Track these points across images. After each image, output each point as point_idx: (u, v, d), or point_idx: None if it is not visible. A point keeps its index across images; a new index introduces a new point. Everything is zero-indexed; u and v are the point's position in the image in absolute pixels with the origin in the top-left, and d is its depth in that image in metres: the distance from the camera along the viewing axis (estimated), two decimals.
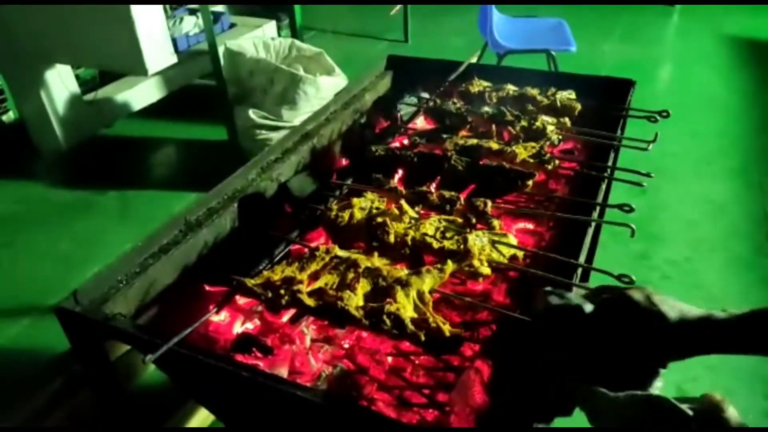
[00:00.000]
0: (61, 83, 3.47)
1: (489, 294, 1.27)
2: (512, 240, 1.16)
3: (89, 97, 3.73)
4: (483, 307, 1.07)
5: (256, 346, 1.10)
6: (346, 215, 1.21)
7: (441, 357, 0.92)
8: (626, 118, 1.71)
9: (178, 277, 1.22)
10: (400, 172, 1.40)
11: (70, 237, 3.02)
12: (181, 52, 4.02)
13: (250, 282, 1.04)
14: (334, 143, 1.71)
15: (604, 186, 1.40)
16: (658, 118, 1.54)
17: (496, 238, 1.15)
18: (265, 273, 1.08)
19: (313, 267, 1.09)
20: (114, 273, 1.12)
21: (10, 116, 4.01)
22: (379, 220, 1.17)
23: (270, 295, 1.01)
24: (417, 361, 1.14)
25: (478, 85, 1.78)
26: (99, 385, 1.17)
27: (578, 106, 1.64)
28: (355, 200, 1.25)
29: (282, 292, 1.00)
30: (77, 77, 4.28)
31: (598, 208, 1.30)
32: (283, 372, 1.11)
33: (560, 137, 1.54)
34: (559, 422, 0.86)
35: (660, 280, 2.66)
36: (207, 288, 1.21)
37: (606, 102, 1.73)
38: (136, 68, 2.99)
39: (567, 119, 1.61)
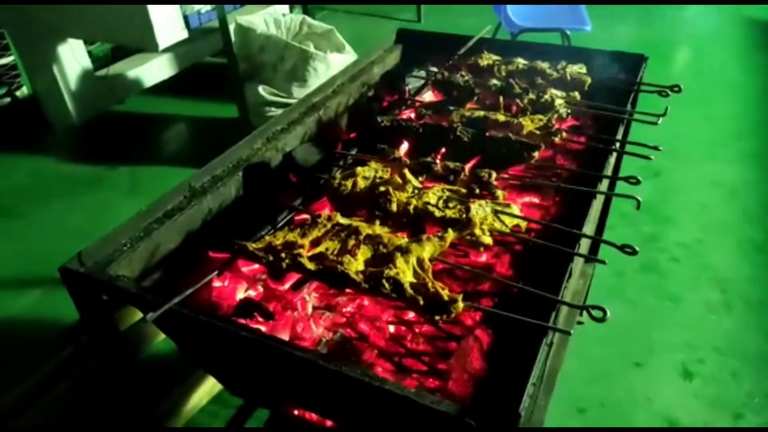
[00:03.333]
0: (73, 58, 3.49)
1: (492, 266, 1.26)
2: (515, 210, 1.15)
3: (101, 72, 3.75)
4: (484, 276, 1.06)
5: (257, 311, 1.11)
6: (349, 184, 1.21)
7: (439, 322, 0.92)
8: (637, 93, 1.68)
9: (182, 242, 1.23)
10: (406, 143, 1.40)
11: (81, 210, 3.05)
12: (192, 30, 4.01)
13: (252, 246, 1.05)
14: (340, 115, 1.71)
15: (612, 160, 1.38)
16: (669, 92, 1.52)
17: (499, 208, 1.14)
18: (267, 238, 1.08)
19: (315, 233, 1.09)
20: (119, 236, 1.13)
21: (23, 91, 4.05)
22: (382, 189, 1.16)
23: (271, 258, 1.02)
24: (418, 330, 1.14)
25: (487, 59, 1.76)
26: (104, 350, 1.19)
27: (588, 80, 1.62)
28: (358, 169, 1.24)
29: (283, 255, 1.01)
30: (90, 53, 4.29)
31: (604, 181, 1.28)
32: (284, 337, 1.12)
33: (569, 110, 1.52)
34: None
35: (668, 262, 2.64)
36: (210, 254, 1.22)
37: (618, 77, 1.71)
38: (147, 43, 2.99)
39: (577, 93, 1.59)
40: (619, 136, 1.50)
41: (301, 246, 1.03)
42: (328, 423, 1.24)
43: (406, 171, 1.22)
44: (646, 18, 5.43)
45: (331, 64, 3.16)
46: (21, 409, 1.60)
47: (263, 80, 3.28)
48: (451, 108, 1.48)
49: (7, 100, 4.03)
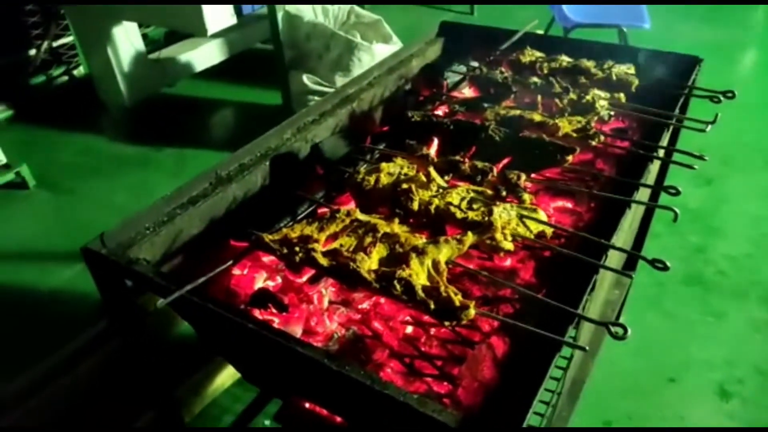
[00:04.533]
0: (127, 41, 3.59)
1: (516, 271, 1.22)
2: (542, 215, 1.10)
3: (154, 56, 3.84)
4: (500, 283, 1.03)
5: (272, 302, 1.11)
6: (372, 179, 1.18)
7: (452, 327, 0.89)
8: (688, 97, 1.59)
9: (205, 229, 1.24)
10: (435, 139, 1.36)
11: (126, 189, 3.15)
12: (244, 16, 4.06)
13: (268, 237, 1.04)
14: (375, 108, 1.68)
15: (652, 167, 1.31)
16: (722, 98, 1.43)
17: (524, 213, 1.10)
18: (284, 230, 1.07)
19: (333, 228, 1.07)
20: (142, 220, 1.15)
21: (80, 71, 4.19)
22: (405, 186, 1.14)
23: (285, 251, 1.01)
24: (432, 332, 1.12)
25: (529, 55, 1.70)
26: (125, 330, 1.21)
27: (635, 81, 1.54)
28: (383, 165, 1.22)
29: (297, 249, 1.00)
30: (146, 36, 4.42)
31: (641, 189, 1.21)
32: (297, 330, 1.11)
33: (611, 113, 1.45)
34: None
35: (714, 275, 2.51)
36: (232, 242, 1.22)
37: (669, 79, 1.62)
38: (197, 28, 3.04)
39: (622, 95, 1.51)
40: (664, 142, 1.42)
41: (316, 240, 1.01)
42: (338, 419, 1.23)
43: (431, 169, 1.19)
44: (713, 17, 5.16)
45: (375, 54, 3.13)
46: (39, 388, 1.65)
47: (308, 69, 3.29)
48: (486, 105, 1.43)
49: (65, 78, 4.18)
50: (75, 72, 4.21)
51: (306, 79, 3.20)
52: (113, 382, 1.72)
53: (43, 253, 2.71)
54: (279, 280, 1.23)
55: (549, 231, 1.09)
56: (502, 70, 1.61)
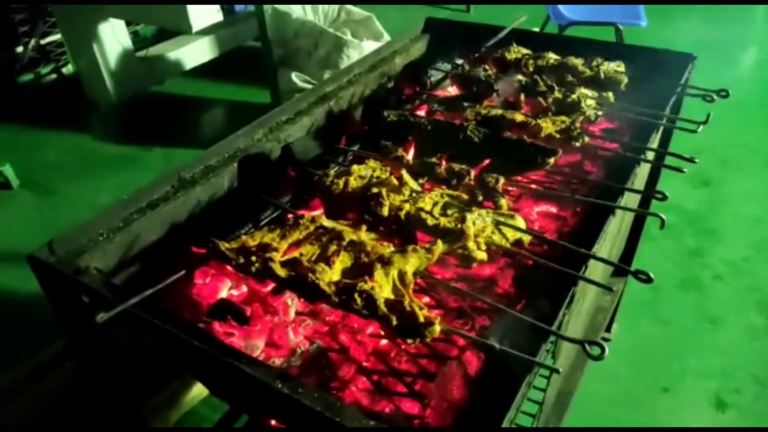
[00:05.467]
0: (114, 38, 3.52)
1: (495, 280, 1.15)
2: (519, 222, 1.03)
3: (141, 53, 3.77)
4: (474, 297, 0.96)
5: (232, 314, 1.04)
6: (341, 183, 1.11)
7: (414, 342, 0.83)
8: (681, 97, 1.52)
9: (165, 235, 1.16)
10: (412, 140, 1.29)
11: (112, 189, 3.08)
12: (237, 14, 4.00)
13: (224, 245, 0.97)
14: (354, 107, 1.61)
15: (640, 170, 1.24)
16: (715, 97, 1.35)
17: (501, 219, 1.03)
18: (244, 237, 1.00)
19: (296, 235, 1.00)
20: (95, 226, 1.08)
21: (69, 69, 4.13)
22: (375, 190, 1.07)
23: (242, 260, 0.94)
24: (403, 346, 1.05)
25: (515, 52, 1.63)
26: (80, 347, 1.14)
27: (624, 79, 1.47)
28: (354, 167, 1.15)
29: (253, 259, 0.93)
30: (136, 34, 4.35)
31: (630, 193, 1.14)
32: (259, 345, 1.05)
33: (599, 113, 1.37)
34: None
35: (711, 280, 2.44)
36: (193, 249, 1.15)
37: (662, 78, 1.54)
38: (182, 25, 2.97)
39: (611, 94, 1.44)
40: (654, 143, 1.35)
41: (275, 249, 0.95)
42: None
43: (404, 172, 1.12)
44: (713, 16, 5.07)
45: (365, 52, 3.06)
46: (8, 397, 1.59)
47: (297, 66, 3.22)
48: (466, 104, 1.36)
49: (54, 76, 4.12)
50: (63, 70, 4.14)
51: (295, 77, 3.14)
52: (83, 393, 1.65)
53: (23, 255, 2.64)
54: (244, 289, 1.16)
55: (526, 239, 1.02)
56: (486, 67, 1.53)
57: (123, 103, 3.74)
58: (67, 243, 1.04)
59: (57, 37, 4.00)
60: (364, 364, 1.03)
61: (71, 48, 3.74)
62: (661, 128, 1.37)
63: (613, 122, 1.54)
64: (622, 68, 1.52)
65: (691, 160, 1.16)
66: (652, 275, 0.89)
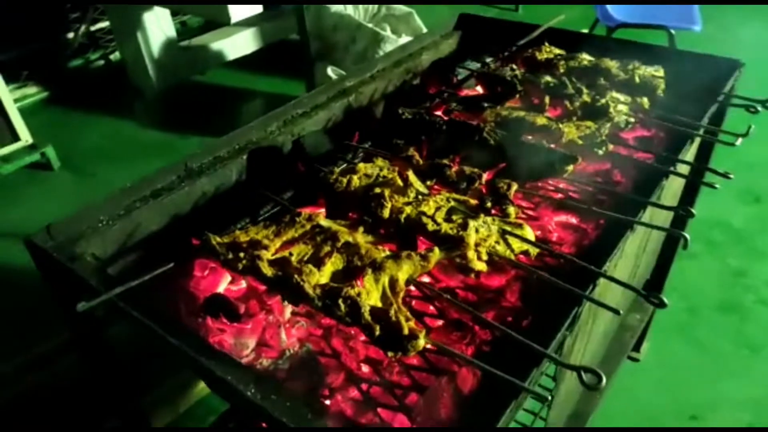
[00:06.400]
0: (158, 27, 3.58)
1: (503, 292, 1.09)
2: (528, 233, 0.96)
3: (184, 43, 3.82)
4: (465, 309, 0.89)
5: (224, 310, 1.01)
6: (345, 181, 1.07)
7: (396, 356, 0.78)
8: (724, 106, 1.41)
9: (167, 225, 1.15)
10: (425, 140, 1.23)
11: None
12: (282, 8, 4.01)
13: (215, 240, 0.94)
14: (375, 103, 1.57)
15: (667, 183, 1.15)
16: (759, 108, 1.25)
17: (508, 228, 0.96)
18: (237, 232, 0.97)
19: (291, 234, 0.97)
20: (96, 211, 1.07)
21: (116, 56, 4.23)
22: (377, 190, 1.02)
23: (230, 256, 0.91)
24: (396, 356, 0.99)
25: (547, 52, 1.55)
26: (76, 335, 1.13)
27: (661, 85, 1.37)
28: (360, 165, 1.10)
29: (241, 255, 0.90)
30: (184, 24, 4.42)
31: (652, 208, 1.06)
32: (250, 344, 1.01)
33: (630, 119, 1.29)
34: None
35: (754, 303, 2.28)
36: (194, 241, 1.13)
37: (704, 86, 1.44)
38: (221, 15, 2.98)
39: (645, 99, 1.35)
40: (689, 155, 1.25)
41: (265, 247, 0.91)
42: None
43: (410, 173, 1.07)
44: None
45: None
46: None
47: (334, 60, 3.19)
48: (486, 105, 1.29)
49: (101, 63, 4.23)
50: (111, 56, 4.25)
51: (331, 71, 3.11)
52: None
53: None
54: (243, 284, 1.14)
55: (534, 251, 0.95)
56: (513, 67, 1.46)
57: (164, 91, 3.80)
58: (66, 228, 1.03)
59: (106, 24, 4.11)
60: (355, 371, 0.98)
61: (117, 35, 3.82)
62: (698, 140, 1.27)
63: (649, 130, 1.44)
64: (660, 73, 1.42)
65: (725, 176, 1.06)
66: (666, 300, 0.81)
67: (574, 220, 1.23)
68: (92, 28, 4.11)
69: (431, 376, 0.96)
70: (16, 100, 3.56)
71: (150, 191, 1.15)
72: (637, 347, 2.07)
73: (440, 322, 1.03)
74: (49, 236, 1.01)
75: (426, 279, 1.10)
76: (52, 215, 1.05)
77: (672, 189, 1.29)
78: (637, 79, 1.38)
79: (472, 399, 0.86)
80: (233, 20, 2.94)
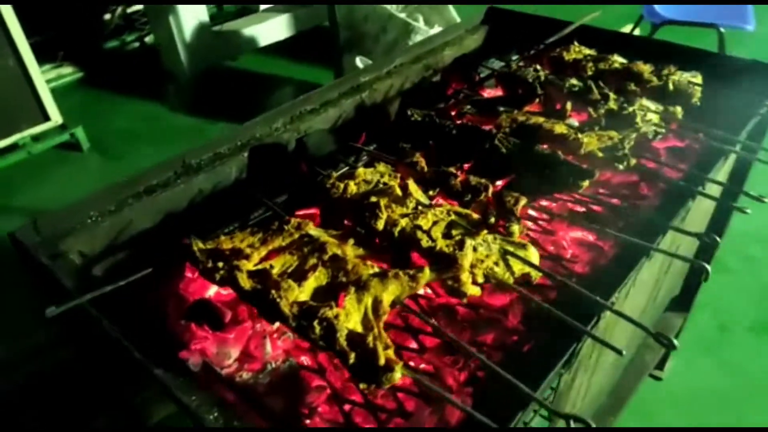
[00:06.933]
0: (191, 11, 3.57)
1: (506, 312, 1.02)
2: (532, 254, 0.89)
3: (217, 27, 3.81)
4: (452, 341, 0.83)
5: (207, 317, 0.97)
6: (342, 186, 1.01)
7: (369, 388, 0.71)
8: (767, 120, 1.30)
9: (160, 223, 1.11)
10: (432, 145, 1.16)
11: None
12: None
13: (197, 245, 0.90)
14: (389, 101, 1.50)
15: (695, 204, 1.05)
16: None
17: (510, 248, 0.89)
18: (222, 238, 0.93)
19: (278, 242, 0.91)
20: (87, 207, 1.04)
21: (151, 38, 4.25)
22: (373, 199, 0.95)
23: (210, 265, 0.86)
24: None
25: (576, 52, 1.45)
26: (67, 337, 1.11)
27: (697, 93, 1.26)
28: (360, 170, 1.04)
29: (220, 264, 0.85)
30: (221, 8, 4.41)
31: (671, 232, 0.96)
32: (233, 353, 0.97)
33: (660, 129, 1.18)
34: None
35: None
36: (185, 241, 1.09)
37: (746, 95, 1.32)
38: None
39: (679, 109, 1.24)
40: (721, 174, 1.15)
41: (246, 257, 0.86)
42: None
43: (411, 181, 1.00)
44: None
45: None
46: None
47: (364, 51, 3.12)
48: (502, 109, 1.21)
49: (137, 45, 4.26)
50: (146, 39, 4.27)
51: (359, 61, 3.04)
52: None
53: None
54: None
55: (536, 275, 0.88)
56: (538, 67, 1.37)
57: (196, 75, 3.80)
58: (54, 223, 1.01)
59: (142, 6, 4.12)
60: (339, 390, 0.93)
61: (151, 17, 3.83)
62: (733, 156, 1.16)
63: (683, 140, 1.33)
64: (698, 79, 1.31)
65: (759, 199, 0.96)
66: (676, 343, 0.72)
67: (591, 237, 1.14)
68: (128, 10, 4.13)
69: (419, 401, 0.90)
70: (51, 80, 3.62)
71: (144, 187, 1.11)
72: (660, 365, 1.96)
73: (437, 341, 0.97)
74: (35, 231, 0.99)
75: (426, 290, 1.05)
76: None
77: (702, 208, 1.18)
78: (671, 86, 1.27)
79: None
80: (262, 8, 2.89)
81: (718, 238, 0.86)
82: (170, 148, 3.26)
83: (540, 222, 1.16)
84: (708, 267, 0.83)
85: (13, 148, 3.00)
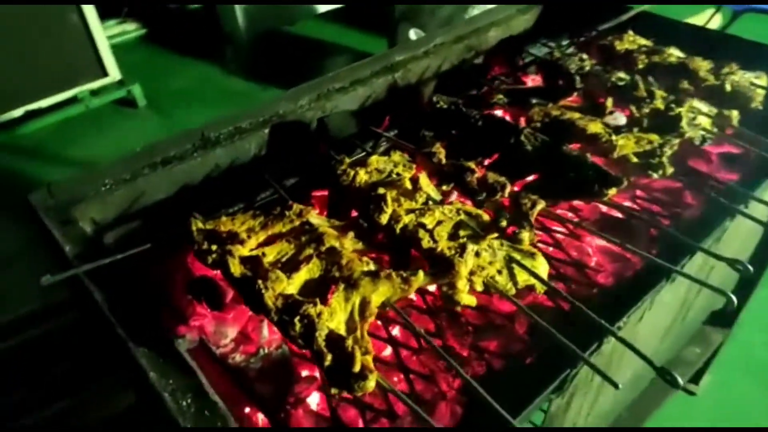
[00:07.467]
0: None
1: (513, 320, 0.97)
2: (540, 264, 0.83)
3: None
4: (439, 354, 0.79)
5: (207, 295, 0.97)
6: (352, 174, 0.97)
7: (340, 394, 0.69)
8: None
9: (174, 195, 1.11)
10: (456, 135, 1.10)
11: None
12: None
13: (197, 224, 0.89)
14: (424, 83, 1.44)
15: (730, 224, 0.95)
16: None
17: (517, 256, 0.83)
18: (223, 219, 0.91)
19: (278, 228, 0.89)
20: (102, 174, 1.05)
21: None
22: (381, 191, 0.91)
23: (204, 246, 0.85)
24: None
25: (629, 42, 1.33)
26: (77, 303, 1.13)
27: (758, 97, 1.14)
28: (373, 158, 1.00)
29: (213, 247, 0.83)
30: None
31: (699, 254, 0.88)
32: (230, 333, 0.97)
33: (708, 135, 1.08)
34: None
35: None
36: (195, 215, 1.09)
37: None
38: None
39: (735, 113, 1.12)
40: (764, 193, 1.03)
41: (241, 242, 0.84)
42: None
43: (422, 175, 0.95)
44: None
45: None
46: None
47: (419, 23, 3.03)
48: (534, 101, 1.13)
49: (199, 5, 4.30)
50: None
51: (413, 33, 2.96)
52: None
53: None
54: None
55: (540, 288, 0.82)
56: (584, 57, 1.27)
57: (253, 39, 3.80)
58: (69, 188, 1.02)
59: None
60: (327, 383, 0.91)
61: None
62: None
63: (739, 148, 1.21)
64: (762, 81, 1.18)
65: None
66: (680, 380, 0.66)
67: (615, 248, 1.06)
68: None
69: (408, 406, 0.87)
70: (115, 36, 3.71)
71: (161, 158, 1.10)
72: (696, 379, 1.85)
73: (437, 342, 0.93)
74: (49, 195, 1.00)
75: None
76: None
77: (744, 228, 1.08)
78: (728, 86, 1.15)
79: None
80: None
81: (750, 267, 0.77)
82: (220, 111, 3.29)
83: (567, 223, 1.09)
84: (734, 298, 0.74)
85: (71, 101, 3.11)
